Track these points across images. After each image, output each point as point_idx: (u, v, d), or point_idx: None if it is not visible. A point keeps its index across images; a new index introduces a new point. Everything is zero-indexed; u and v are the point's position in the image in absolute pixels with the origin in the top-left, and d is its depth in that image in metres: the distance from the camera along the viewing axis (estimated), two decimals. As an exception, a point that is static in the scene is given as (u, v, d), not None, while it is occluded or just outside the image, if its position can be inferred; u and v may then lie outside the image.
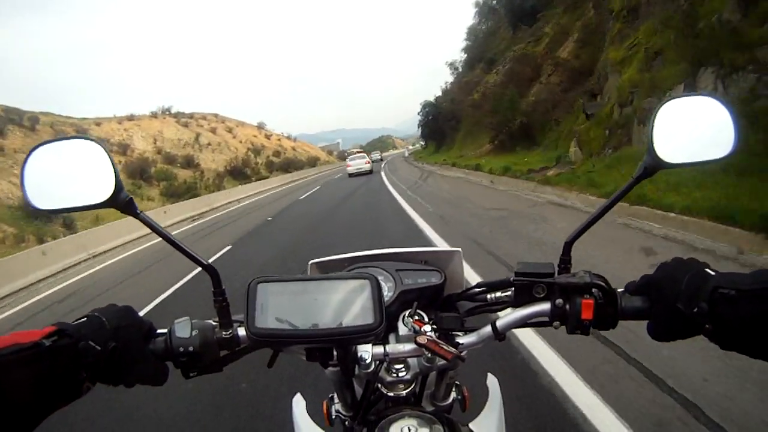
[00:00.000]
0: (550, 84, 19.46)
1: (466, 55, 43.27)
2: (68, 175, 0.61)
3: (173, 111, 52.04)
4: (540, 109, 18.64)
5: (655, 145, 0.63)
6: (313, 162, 66.87)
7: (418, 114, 42.71)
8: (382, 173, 25.11)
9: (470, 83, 34.64)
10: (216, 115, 60.69)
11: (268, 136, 67.20)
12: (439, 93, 45.66)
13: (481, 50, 38.83)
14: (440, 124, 40.15)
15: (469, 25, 43.98)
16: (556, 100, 17.95)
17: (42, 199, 0.60)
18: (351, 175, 28.02)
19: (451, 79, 46.86)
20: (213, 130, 53.88)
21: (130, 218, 0.63)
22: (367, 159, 30.32)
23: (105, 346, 0.54)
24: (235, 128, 59.50)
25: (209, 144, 49.75)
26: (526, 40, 26.88)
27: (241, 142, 56.86)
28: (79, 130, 31.88)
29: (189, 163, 41.92)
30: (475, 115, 27.48)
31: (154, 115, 48.76)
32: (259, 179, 38.64)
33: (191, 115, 54.35)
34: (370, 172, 28.09)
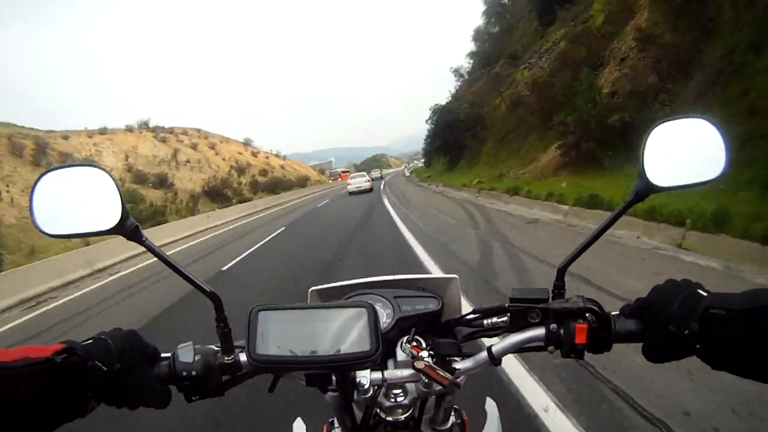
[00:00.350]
0: (636, 69, 12.05)
1: (472, 61, 39.26)
2: (76, 202, 0.62)
3: (152, 125, 46.54)
4: (632, 104, 11.27)
5: (646, 168, 0.64)
6: (303, 182, 61.80)
7: (427, 122, 35.46)
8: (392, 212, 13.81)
9: (500, 76, 28.05)
10: (198, 130, 55.54)
11: (255, 154, 61.97)
12: (441, 100, 38.94)
13: (497, 48, 34.22)
14: (456, 134, 30.60)
15: (475, 27, 40.26)
16: (648, 88, 11.03)
17: (50, 225, 0.61)
18: (351, 193, 28.98)
19: (450, 89, 42.46)
20: (194, 146, 48.47)
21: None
22: (367, 178, 31.86)
23: (111, 367, 0.56)
24: (219, 144, 54.95)
25: (188, 161, 44.02)
26: (565, 24, 20.78)
27: (224, 159, 52.13)
28: (40, 144, 29.14)
29: (162, 182, 36.28)
30: (514, 118, 21.41)
31: (129, 129, 43.58)
32: (242, 201, 34.46)
33: (171, 130, 48.87)
34: (370, 190, 29.21)
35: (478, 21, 40.09)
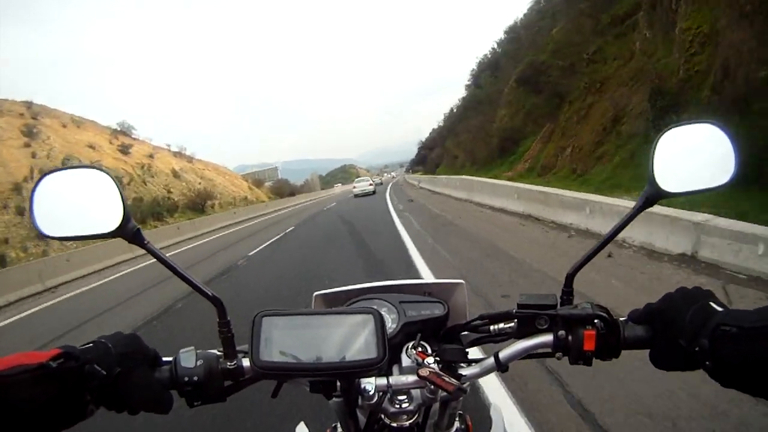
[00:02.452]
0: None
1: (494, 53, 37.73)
2: (77, 204, 0.62)
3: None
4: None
5: (655, 174, 0.63)
6: (201, 201, 35.14)
7: (468, 80, 33.52)
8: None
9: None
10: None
11: (125, 149, 37.51)
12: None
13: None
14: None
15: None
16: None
17: (50, 227, 0.61)
18: (356, 195, 32.47)
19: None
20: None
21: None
22: (371, 182, 36.02)
23: (110, 371, 0.55)
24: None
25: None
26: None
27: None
28: None
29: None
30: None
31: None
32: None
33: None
34: (374, 193, 32.14)
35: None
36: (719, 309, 0.53)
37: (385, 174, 47.77)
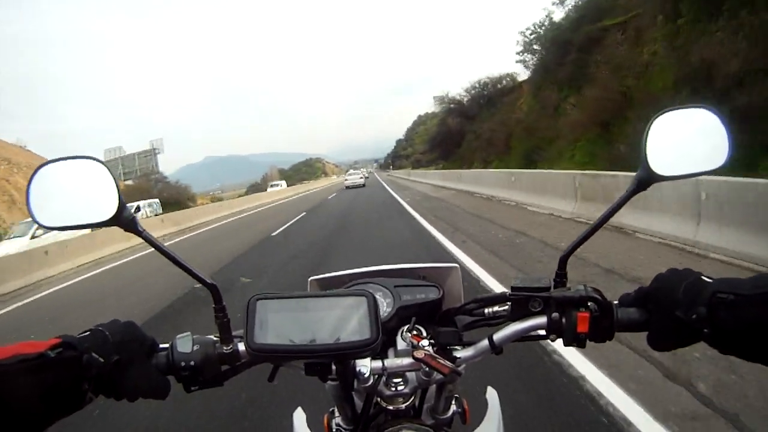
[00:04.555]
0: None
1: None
2: (72, 194, 0.62)
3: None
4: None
5: (648, 158, 0.64)
6: None
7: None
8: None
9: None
10: None
11: None
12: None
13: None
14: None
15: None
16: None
17: (46, 217, 0.61)
18: (348, 187, 35.31)
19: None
20: None
21: None
22: (361, 174, 40.30)
23: (108, 359, 0.56)
24: None
25: None
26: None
27: None
28: None
29: None
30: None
31: None
32: None
33: None
34: (363, 185, 35.12)
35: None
36: (712, 280, 0.54)
37: (351, 171, 45.92)
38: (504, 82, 33.75)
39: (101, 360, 0.54)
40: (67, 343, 0.53)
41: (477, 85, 36.47)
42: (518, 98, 27.90)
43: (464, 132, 35.84)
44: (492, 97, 33.98)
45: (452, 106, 40.64)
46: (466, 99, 38.27)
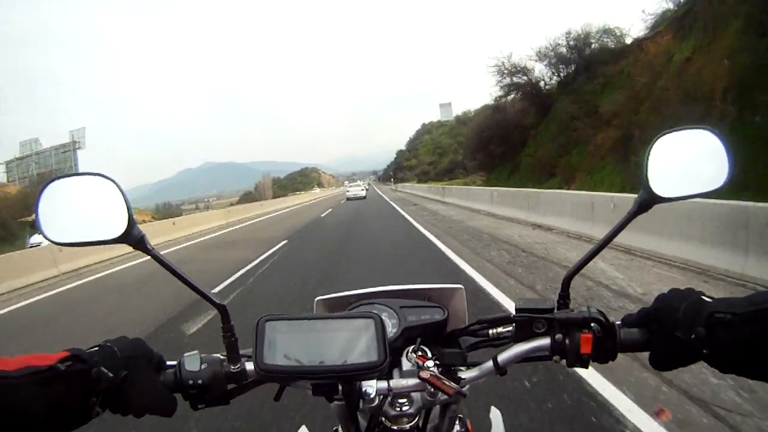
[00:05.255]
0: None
1: None
2: (82, 210, 0.62)
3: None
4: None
5: (650, 179, 0.64)
6: None
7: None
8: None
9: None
10: None
11: None
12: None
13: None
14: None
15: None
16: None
17: (56, 233, 0.61)
18: (349, 199, 34.74)
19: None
20: None
21: None
22: (363, 186, 39.55)
23: (117, 374, 0.56)
24: None
25: None
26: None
27: None
28: None
29: None
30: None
31: None
32: None
33: None
34: (365, 197, 34.38)
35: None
36: (711, 300, 0.55)
37: (352, 184, 46.62)
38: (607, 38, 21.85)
39: (110, 375, 0.55)
40: (76, 356, 0.53)
41: (567, 42, 22.58)
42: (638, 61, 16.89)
43: (535, 122, 24.11)
44: (591, 62, 21.37)
45: (516, 79, 25.31)
46: (545, 70, 24.27)
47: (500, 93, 27.36)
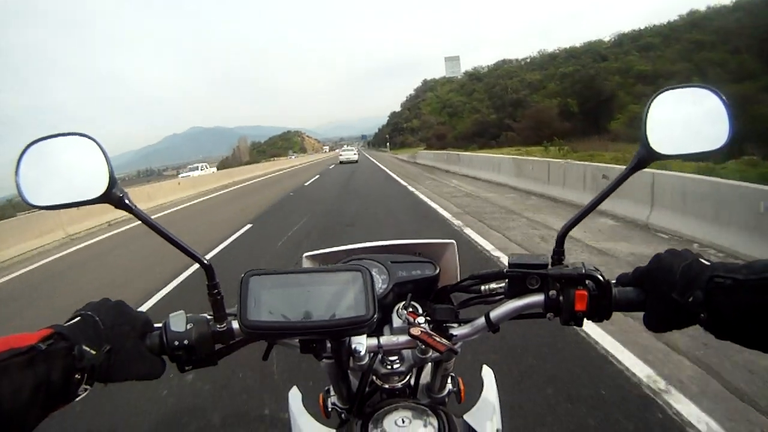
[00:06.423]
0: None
1: None
2: (62, 171, 0.61)
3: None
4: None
5: (648, 135, 0.63)
6: None
7: None
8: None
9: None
10: None
11: None
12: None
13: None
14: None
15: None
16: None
17: (36, 195, 0.60)
18: (342, 162, 38.08)
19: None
20: None
21: None
22: (355, 151, 43.52)
23: (100, 350, 0.54)
24: None
25: None
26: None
27: None
28: None
29: None
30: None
31: None
32: None
33: None
34: (357, 161, 37.69)
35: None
36: (709, 263, 0.54)
37: (345, 148, 49.54)
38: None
39: (93, 352, 0.53)
40: (58, 334, 0.51)
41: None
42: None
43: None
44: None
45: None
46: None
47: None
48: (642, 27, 68.92)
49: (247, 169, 34.64)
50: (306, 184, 18.84)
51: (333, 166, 34.53)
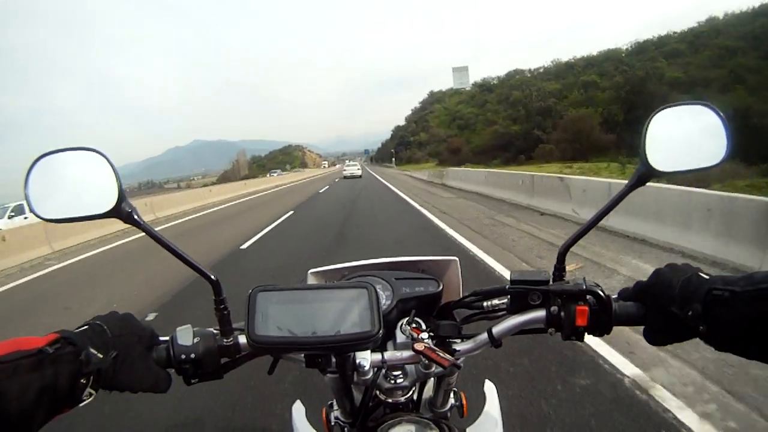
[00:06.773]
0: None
1: None
2: (72, 185, 0.61)
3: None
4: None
5: (647, 153, 0.64)
6: None
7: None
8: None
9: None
10: None
11: None
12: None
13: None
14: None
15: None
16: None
17: (45, 208, 0.60)
18: (345, 177, 37.67)
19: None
20: None
21: None
22: (359, 166, 42.83)
23: (107, 355, 0.55)
24: None
25: None
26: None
27: None
28: None
29: None
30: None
31: None
32: None
33: None
34: (360, 176, 37.07)
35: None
36: (708, 277, 0.55)
37: (348, 163, 46.46)
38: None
39: (99, 356, 0.54)
40: (66, 339, 0.52)
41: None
42: None
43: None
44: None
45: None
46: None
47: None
48: (662, 33, 66.88)
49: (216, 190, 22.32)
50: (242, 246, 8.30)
51: (324, 189, 23.80)
